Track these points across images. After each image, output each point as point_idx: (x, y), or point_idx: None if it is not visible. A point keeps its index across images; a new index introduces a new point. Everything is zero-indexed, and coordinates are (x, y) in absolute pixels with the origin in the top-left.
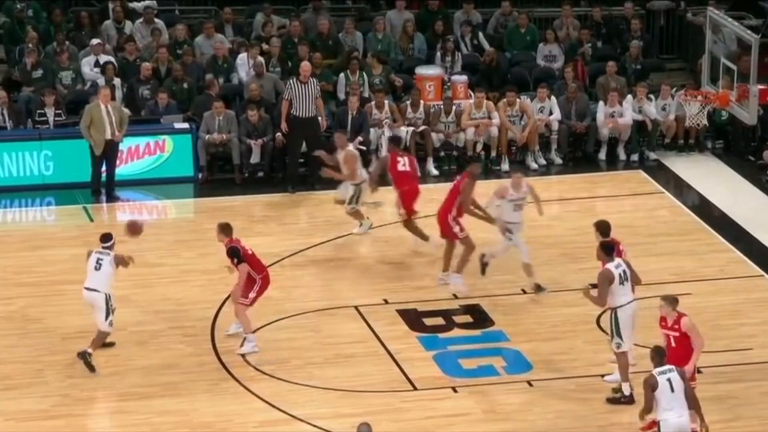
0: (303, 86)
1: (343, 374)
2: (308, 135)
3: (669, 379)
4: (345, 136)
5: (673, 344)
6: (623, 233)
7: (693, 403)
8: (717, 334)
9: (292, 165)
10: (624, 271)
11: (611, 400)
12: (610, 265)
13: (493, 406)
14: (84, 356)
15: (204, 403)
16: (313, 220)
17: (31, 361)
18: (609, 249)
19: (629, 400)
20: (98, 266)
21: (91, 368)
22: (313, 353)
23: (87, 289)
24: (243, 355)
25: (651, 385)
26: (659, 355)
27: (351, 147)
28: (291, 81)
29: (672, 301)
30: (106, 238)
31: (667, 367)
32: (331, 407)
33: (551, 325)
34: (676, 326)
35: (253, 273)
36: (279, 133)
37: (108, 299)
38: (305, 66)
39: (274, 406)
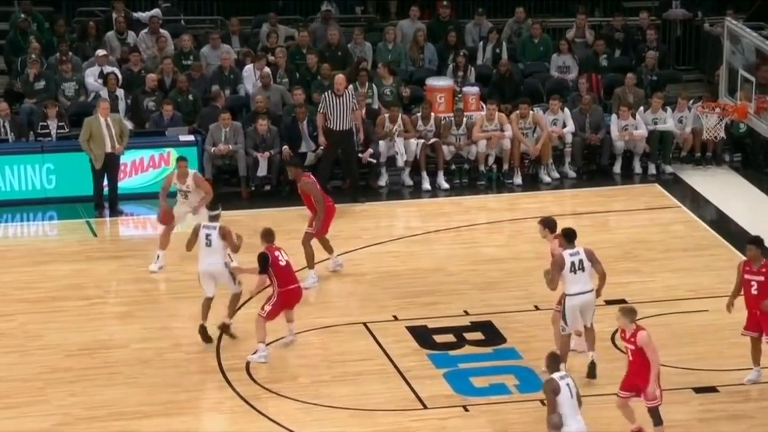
0: (338, 99)
1: (352, 392)
2: (343, 148)
3: (568, 384)
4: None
5: (630, 357)
6: (638, 248)
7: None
8: (734, 353)
9: (323, 178)
10: (580, 260)
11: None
12: (566, 252)
13: (505, 425)
14: (225, 328)
15: (209, 422)
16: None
17: (32, 379)
18: (569, 236)
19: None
20: (208, 242)
21: (233, 336)
22: (320, 371)
23: (205, 267)
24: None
25: (554, 389)
26: (554, 361)
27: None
28: (326, 94)
29: (628, 312)
30: (212, 207)
31: (563, 372)
32: (339, 426)
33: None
34: (633, 339)
35: (274, 285)
36: (286, 146)
37: (226, 265)
38: (339, 79)
39: (280, 425)
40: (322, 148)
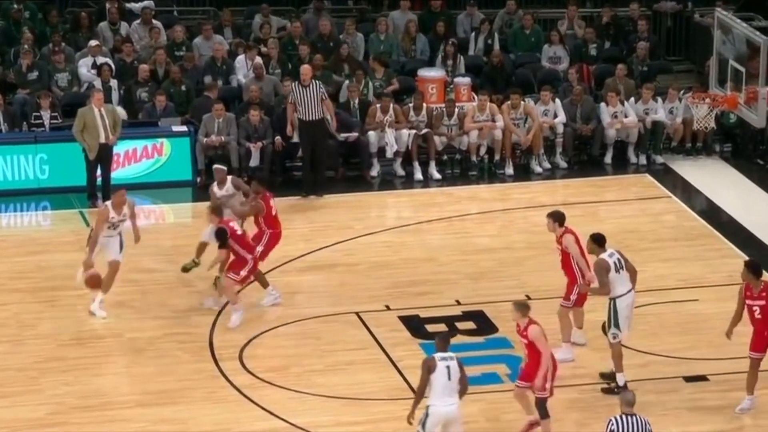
0: (305, 89)
1: (344, 382)
2: (315, 138)
3: (448, 366)
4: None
5: (525, 350)
6: (629, 238)
7: (464, 393)
8: (725, 341)
9: (305, 170)
10: (618, 260)
11: (606, 391)
12: (604, 255)
13: (497, 414)
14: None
15: (202, 411)
16: (312, 225)
17: (26, 368)
18: (600, 240)
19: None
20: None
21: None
22: (313, 360)
23: None
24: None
25: (428, 368)
26: (443, 341)
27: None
28: (293, 84)
29: (521, 307)
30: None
31: (448, 354)
32: (332, 415)
33: (556, 333)
34: (525, 333)
35: (242, 252)
36: (278, 137)
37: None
38: (305, 69)
39: (273, 414)
40: (289, 137)
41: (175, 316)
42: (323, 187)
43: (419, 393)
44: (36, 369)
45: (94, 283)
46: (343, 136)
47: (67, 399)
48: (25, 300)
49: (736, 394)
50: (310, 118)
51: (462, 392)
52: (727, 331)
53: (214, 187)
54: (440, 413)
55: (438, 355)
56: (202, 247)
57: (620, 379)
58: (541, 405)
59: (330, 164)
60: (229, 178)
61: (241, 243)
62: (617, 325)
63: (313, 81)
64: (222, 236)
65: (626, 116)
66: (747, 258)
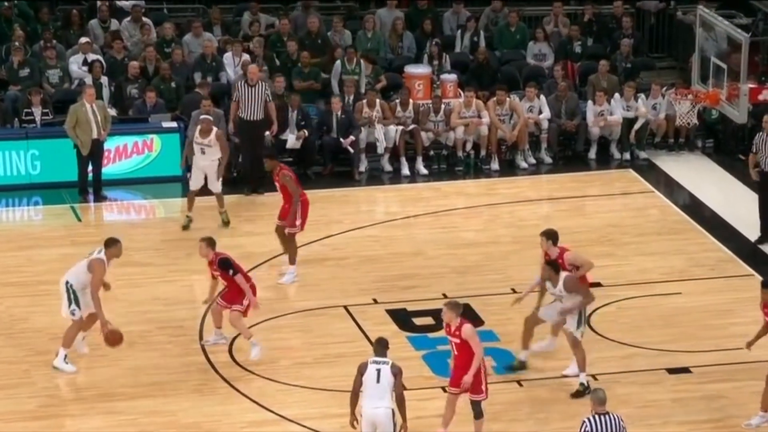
0: (251, 89)
1: (333, 374)
2: (253, 138)
3: (378, 370)
4: (211, 120)
5: (456, 351)
6: (613, 232)
7: (400, 403)
8: (707, 334)
9: (245, 168)
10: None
11: (576, 394)
12: (567, 274)
13: (483, 405)
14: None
15: (192, 403)
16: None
17: (18, 362)
18: (557, 267)
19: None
20: (202, 151)
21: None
22: (302, 353)
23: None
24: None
25: (360, 370)
26: (380, 346)
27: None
28: (239, 83)
29: (454, 306)
30: (108, 243)
31: (383, 359)
32: (321, 407)
33: (541, 326)
34: (458, 333)
35: (240, 281)
36: (268, 132)
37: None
38: (252, 69)
39: (262, 407)
40: (230, 135)
41: (166, 310)
42: (263, 185)
43: (351, 395)
44: (28, 362)
45: (116, 339)
46: (345, 143)
47: (58, 392)
48: (17, 294)
49: (718, 385)
50: (253, 118)
51: (398, 403)
52: (749, 341)
53: (196, 133)
54: (366, 414)
55: (371, 359)
56: (191, 198)
57: (584, 378)
58: (477, 405)
59: (318, 160)
60: (214, 130)
61: (241, 271)
62: (585, 324)
63: (260, 82)
64: (226, 265)
65: (611, 113)
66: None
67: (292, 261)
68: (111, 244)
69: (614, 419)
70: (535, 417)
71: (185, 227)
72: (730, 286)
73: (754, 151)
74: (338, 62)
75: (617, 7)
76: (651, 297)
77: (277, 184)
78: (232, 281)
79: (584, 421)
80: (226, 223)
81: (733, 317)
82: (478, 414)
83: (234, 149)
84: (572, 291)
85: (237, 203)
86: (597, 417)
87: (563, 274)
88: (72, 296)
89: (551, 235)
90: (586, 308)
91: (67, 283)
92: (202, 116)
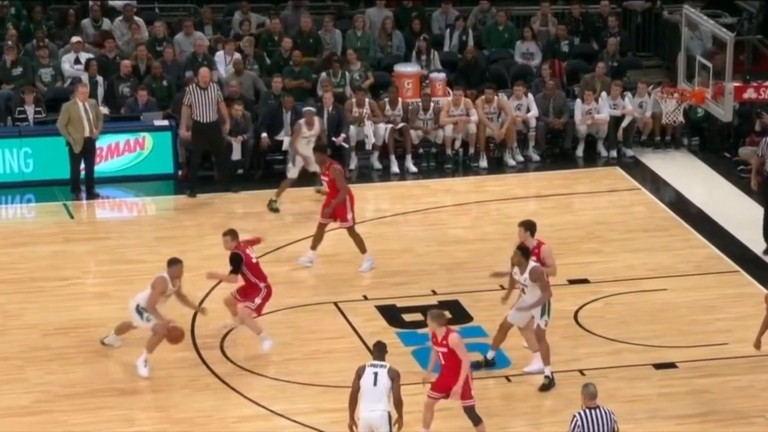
0: (203, 92)
1: (323, 370)
2: (210, 140)
3: (376, 373)
4: (314, 111)
5: (443, 361)
6: (600, 229)
7: (397, 406)
8: (693, 329)
9: (192, 169)
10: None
11: (543, 388)
12: (536, 264)
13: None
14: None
15: (184, 398)
16: (293, 216)
17: (11, 358)
18: (527, 252)
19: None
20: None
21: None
22: (292, 349)
23: None
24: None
25: (357, 373)
26: (378, 350)
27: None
28: (191, 87)
29: (437, 316)
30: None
31: (381, 363)
32: (311, 403)
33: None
34: (444, 342)
35: (254, 280)
36: (264, 135)
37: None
38: (204, 71)
39: (254, 402)
40: (184, 136)
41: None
42: (233, 183)
43: (350, 399)
44: (21, 358)
45: (177, 336)
46: (338, 141)
47: (51, 387)
48: (10, 290)
49: (704, 380)
50: (206, 120)
51: (396, 405)
52: (755, 342)
53: (303, 127)
54: (363, 418)
55: (369, 362)
56: (285, 185)
57: (549, 371)
58: (471, 412)
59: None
60: (317, 119)
61: (254, 271)
62: (550, 314)
63: (212, 84)
64: (236, 262)
65: (599, 112)
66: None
67: (363, 250)
68: (172, 263)
69: (605, 413)
70: (524, 412)
71: (275, 210)
72: (715, 283)
73: (760, 154)
74: (323, 74)
75: (604, 7)
76: (637, 293)
77: (326, 178)
78: (243, 276)
79: (575, 416)
80: (275, 210)
81: (719, 313)
82: (475, 420)
83: (186, 153)
84: (535, 281)
85: (231, 200)
86: (588, 411)
87: (532, 264)
88: (142, 314)
89: (530, 226)
90: (550, 303)
91: (137, 306)
92: (305, 109)
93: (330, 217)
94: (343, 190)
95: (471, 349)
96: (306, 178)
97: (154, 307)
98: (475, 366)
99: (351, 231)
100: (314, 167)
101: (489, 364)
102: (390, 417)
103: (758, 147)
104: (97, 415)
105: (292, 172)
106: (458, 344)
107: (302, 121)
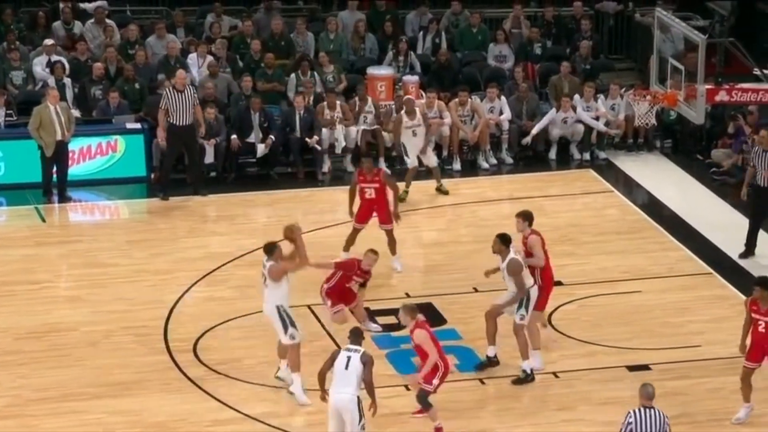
0: (179, 95)
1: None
2: (186, 143)
3: (349, 357)
4: (413, 100)
5: (416, 352)
6: (573, 232)
7: (369, 389)
8: (665, 332)
9: (165, 171)
10: (523, 258)
11: (517, 381)
12: (516, 256)
13: (445, 404)
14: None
15: (157, 402)
16: (266, 219)
17: None
18: (507, 240)
19: (532, 377)
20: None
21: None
22: (266, 352)
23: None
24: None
25: (332, 355)
26: (354, 335)
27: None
28: (167, 90)
29: (408, 310)
30: (268, 249)
31: (355, 347)
32: (285, 406)
33: (503, 324)
34: (411, 336)
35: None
36: (234, 137)
37: (280, 311)
38: (180, 74)
39: (227, 405)
40: (162, 143)
41: (130, 310)
42: (204, 186)
43: (319, 374)
44: None
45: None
46: (311, 143)
47: (23, 392)
48: None
49: (677, 382)
50: (182, 123)
51: (367, 388)
52: (740, 346)
53: (404, 116)
54: (331, 399)
55: (345, 347)
56: (410, 174)
57: (527, 366)
58: (423, 397)
59: (282, 161)
60: (417, 109)
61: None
62: (527, 308)
63: (188, 87)
64: (271, 250)
65: (576, 121)
66: (757, 276)
67: (394, 252)
68: (272, 250)
69: (659, 415)
70: (497, 414)
71: (402, 199)
72: (688, 285)
73: (752, 164)
74: (293, 75)
75: (576, 9)
76: (611, 295)
77: (376, 184)
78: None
79: (630, 413)
80: (445, 192)
81: (692, 315)
82: (426, 405)
83: (160, 156)
84: (512, 275)
85: (204, 202)
86: (642, 410)
87: (511, 255)
88: (287, 319)
89: (527, 216)
90: (529, 297)
91: (277, 308)
92: (406, 97)
93: (395, 220)
94: (395, 189)
95: (445, 352)
96: (310, 180)
97: (294, 269)
98: (479, 367)
99: (390, 234)
100: (428, 159)
101: (493, 364)
102: (360, 401)
103: (749, 156)
104: (69, 419)
105: (411, 161)
106: (422, 341)
107: (402, 111)
